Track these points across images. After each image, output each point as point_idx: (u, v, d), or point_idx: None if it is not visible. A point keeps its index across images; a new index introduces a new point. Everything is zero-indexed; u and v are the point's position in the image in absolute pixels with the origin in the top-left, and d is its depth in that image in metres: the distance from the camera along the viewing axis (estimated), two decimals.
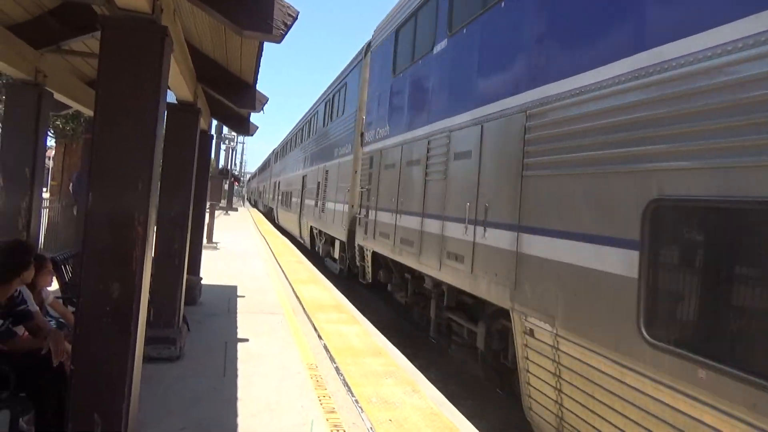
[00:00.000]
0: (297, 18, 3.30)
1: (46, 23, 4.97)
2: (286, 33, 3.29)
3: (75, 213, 11.74)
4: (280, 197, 28.60)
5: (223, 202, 34.69)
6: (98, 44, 3.10)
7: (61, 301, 4.70)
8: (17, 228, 4.97)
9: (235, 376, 5.21)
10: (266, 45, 5.73)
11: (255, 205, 60.67)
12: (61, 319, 4.29)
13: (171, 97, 5.92)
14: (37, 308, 3.74)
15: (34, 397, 3.19)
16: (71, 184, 12.94)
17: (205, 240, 11.40)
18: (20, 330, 3.55)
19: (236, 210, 42.51)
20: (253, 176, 79.25)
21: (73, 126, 13.04)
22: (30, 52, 4.97)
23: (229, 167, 43.06)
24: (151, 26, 3.07)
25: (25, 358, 3.27)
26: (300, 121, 24.59)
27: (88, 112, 7.48)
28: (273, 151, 40.50)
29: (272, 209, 33.66)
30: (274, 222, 31.13)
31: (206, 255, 11.54)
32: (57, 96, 5.73)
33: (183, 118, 5.79)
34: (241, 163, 75.15)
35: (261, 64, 5.46)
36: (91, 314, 2.96)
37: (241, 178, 74.18)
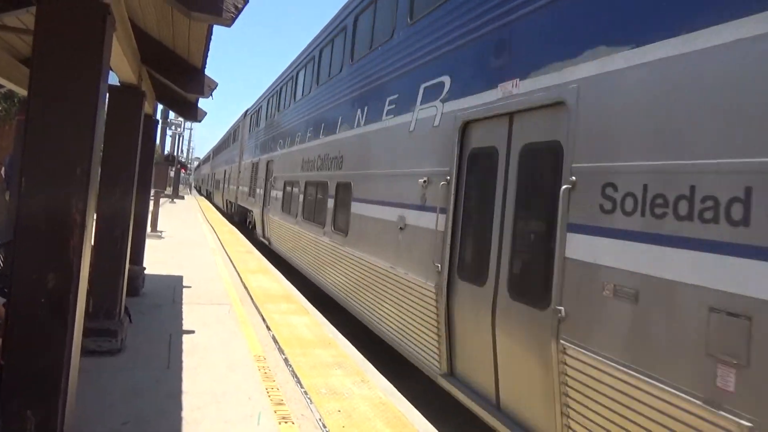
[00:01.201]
0: (248, 1, 3.21)
1: None
2: (237, 16, 3.20)
3: (7, 198, 11.09)
4: (213, 183, 42.97)
5: (169, 190, 33.63)
6: (33, 20, 2.92)
7: None
8: None
9: (180, 368, 5.08)
10: (216, 28, 5.57)
11: (200, 192, 60.85)
12: None
13: (113, 79, 5.66)
14: None
15: None
16: (3, 168, 12.20)
17: (149, 229, 11.01)
18: None
19: (183, 198, 41.28)
20: (199, 165, 77.73)
21: (6, 106, 12.30)
22: None
23: (175, 153, 41.78)
24: (92, 3, 2.91)
25: None
26: (223, 136, 39.37)
27: (22, 92, 7.07)
28: (211, 150, 54.61)
29: (210, 192, 46.92)
30: (211, 201, 42.73)
31: (150, 244, 11.16)
32: None
33: (126, 101, 5.55)
34: (188, 149, 73.01)
35: (210, 48, 5.29)
36: (24, 305, 2.80)
37: (189, 165, 72.12)
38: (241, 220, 23.41)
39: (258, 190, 17.28)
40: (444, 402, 5.48)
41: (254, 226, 18.31)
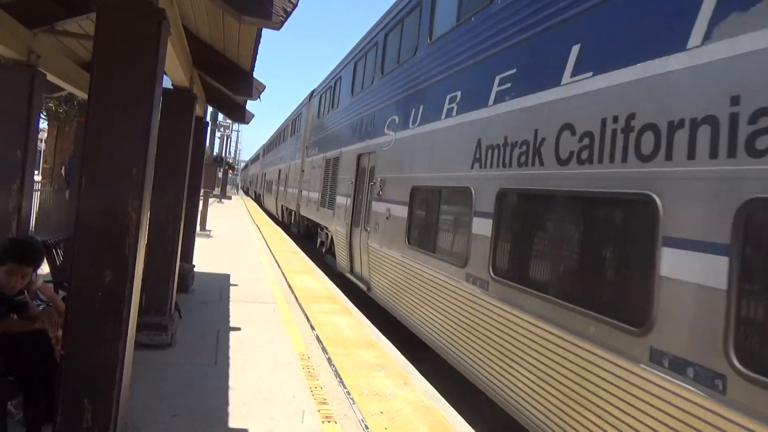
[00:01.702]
0: (297, 5, 3.25)
1: (41, 3, 4.88)
2: (286, 20, 3.24)
3: (67, 197, 11.65)
4: (265, 185, 36.73)
5: (217, 190, 34.53)
6: (93, 26, 3.04)
7: (51, 286, 4.66)
8: (8, 211, 4.91)
9: (227, 364, 5.20)
10: (265, 32, 5.67)
11: (247, 193, 61.09)
12: (49, 304, 4.25)
13: (167, 82, 5.85)
14: (27, 296, 3.71)
15: (23, 382, 3.16)
16: (63, 168, 12.83)
17: (198, 228, 11.34)
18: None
19: (230, 198, 42.34)
20: (247, 165, 79.11)
21: (66, 109, 12.92)
22: (23, 31, 4.88)
23: (223, 155, 42.85)
24: (148, 8, 3.01)
25: (15, 341, 3.24)
26: (277, 130, 33.94)
27: (82, 95, 7.39)
28: (261, 147, 49.00)
29: (260, 195, 41.44)
30: (261, 205, 37.57)
31: (199, 243, 11.48)
32: (50, 77, 5.64)
33: (178, 103, 5.73)
34: (235, 151, 74.82)
35: (259, 51, 5.40)
36: (82, 299, 2.92)
37: (236, 166, 73.94)
38: (305, 234, 18.26)
39: (341, 200, 11.50)
40: (487, 406, 5.40)
41: (330, 249, 13.02)
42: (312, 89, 19.14)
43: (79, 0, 4.79)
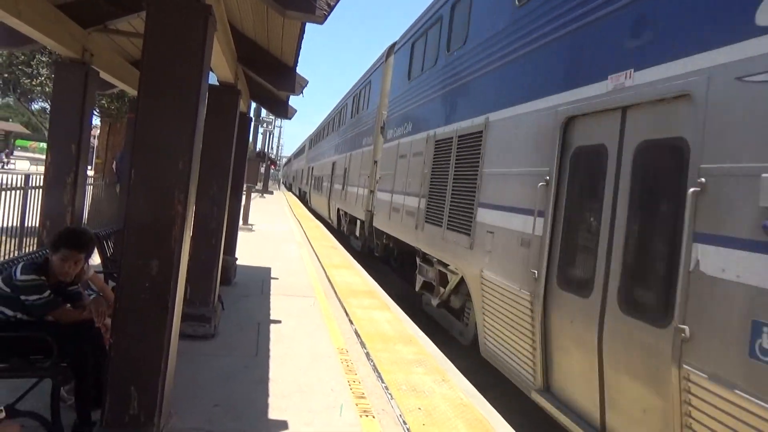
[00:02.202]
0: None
1: (94, 2, 5.05)
2: (329, 14, 3.25)
3: (118, 191, 12.07)
4: (312, 181, 29.49)
5: (259, 185, 35.14)
6: (143, 24, 3.12)
7: (102, 276, 4.82)
8: (62, 203, 5.12)
9: (267, 356, 5.28)
10: (307, 27, 5.70)
11: (290, 189, 61.52)
12: (100, 294, 4.41)
13: (212, 78, 5.96)
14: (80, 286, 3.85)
15: (75, 368, 3.28)
16: (114, 163, 13.29)
17: (240, 222, 11.56)
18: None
19: (272, 193, 43.06)
20: (289, 160, 79.75)
21: (118, 105, 13.36)
22: (78, 30, 5.07)
23: (266, 150, 43.54)
24: (195, 5, 3.07)
25: (68, 329, 3.37)
26: (329, 114, 26.31)
27: (132, 92, 7.63)
28: (307, 138, 42.42)
29: (306, 193, 34.91)
30: (307, 205, 32.20)
31: (242, 236, 11.69)
32: (103, 75, 5.85)
33: (223, 98, 5.83)
34: (277, 146, 75.86)
35: (302, 46, 5.44)
36: (130, 289, 3.02)
37: (278, 162, 75.02)
38: (383, 258, 12.59)
39: (502, 218, 5.58)
40: (525, 405, 5.31)
41: (449, 303, 7.57)
42: (392, 42, 13.10)
43: None
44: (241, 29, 5.73)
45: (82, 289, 3.75)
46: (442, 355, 6.02)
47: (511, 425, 4.40)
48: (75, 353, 3.28)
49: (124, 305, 3.02)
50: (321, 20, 3.26)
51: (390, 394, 4.72)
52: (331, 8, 3.22)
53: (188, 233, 3.19)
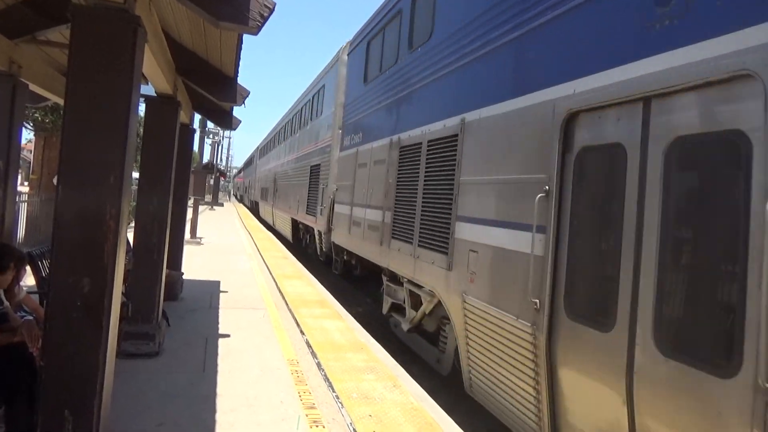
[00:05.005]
0: (274, 10, 3.26)
1: (21, 12, 4.86)
2: (263, 25, 3.25)
3: None
4: (263, 192, 29.26)
5: (208, 197, 34.42)
6: None
7: (36, 297, 4.62)
8: None
9: (215, 371, 5.17)
10: (247, 36, 5.67)
11: (241, 200, 60.57)
12: (33, 315, 4.22)
13: (150, 90, 5.83)
14: (9, 306, 3.68)
15: (4, 393, 3.14)
16: (56, 178, 12.73)
17: (188, 235, 11.29)
18: None
19: (222, 205, 42.21)
20: (239, 172, 78.35)
21: (53, 118, 12.84)
22: (3, 42, 4.86)
23: (214, 162, 42.69)
24: (123, 15, 3.01)
25: None
26: (281, 119, 26.06)
27: None
28: (256, 148, 42.04)
29: (257, 203, 34.61)
30: (258, 215, 32.40)
31: (189, 250, 11.43)
32: (33, 87, 5.61)
33: (162, 110, 5.71)
34: (227, 157, 74.50)
35: (241, 56, 5.39)
36: (61, 309, 2.90)
37: (228, 173, 73.67)
38: (347, 272, 11.71)
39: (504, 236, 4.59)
40: (471, 405, 5.40)
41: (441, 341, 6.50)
42: (347, 41, 12.09)
43: (60, 9, 4.76)
44: (179, 40, 5.63)
45: (9, 310, 3.58)
46: (394, 361, 6.06)
47: (460, 426, 4.48)
48: (3, 378, 3.13)
49: (54, 325, 2.91)
50: (255, 31, 3.26)
51: (341, 402, 4.71)
52: (265, 19, 3.22)
53: (122, 249, 3.11)
